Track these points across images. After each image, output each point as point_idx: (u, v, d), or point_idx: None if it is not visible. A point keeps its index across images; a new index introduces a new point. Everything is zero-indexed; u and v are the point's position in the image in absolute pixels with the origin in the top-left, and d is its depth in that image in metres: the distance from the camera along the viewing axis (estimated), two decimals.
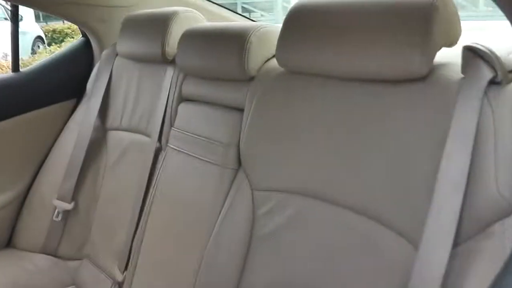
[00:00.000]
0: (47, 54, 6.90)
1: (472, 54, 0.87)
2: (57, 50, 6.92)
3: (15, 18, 1.90)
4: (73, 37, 7.78)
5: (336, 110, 1.04)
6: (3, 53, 6.44)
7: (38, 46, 7.86)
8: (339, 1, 1.04)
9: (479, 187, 0.81)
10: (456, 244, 0.81)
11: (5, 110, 1.81)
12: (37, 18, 9.03)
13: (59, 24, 8.96)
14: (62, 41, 7.95)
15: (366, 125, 0.98)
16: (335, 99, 1.04)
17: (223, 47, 1.29)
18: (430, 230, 0.83)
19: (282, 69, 1.19)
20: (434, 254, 0.81)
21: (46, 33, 8.45)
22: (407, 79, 0.92)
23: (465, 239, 0.82)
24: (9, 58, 6.29)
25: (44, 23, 9.66)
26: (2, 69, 5.88)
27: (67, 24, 8.70)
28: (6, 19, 7.51)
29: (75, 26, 8.22)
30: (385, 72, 0.94)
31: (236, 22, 1.97)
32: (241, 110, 1.27)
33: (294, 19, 1.10)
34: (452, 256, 0.80)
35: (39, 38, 8.09)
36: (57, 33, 8.39)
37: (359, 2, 1.00)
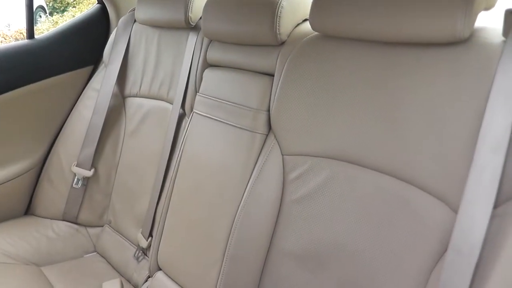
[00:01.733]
0: (50, 23, 6.82)
1: None
2: (60, 20, 6.87)
3: None
4: (75, 7, 7.69)
5: (372, 73, 1.03)
6: (7, 23, 6.37)
7: (40, 16, 7.75)
8: None
9: None
10: (496, 205, 0.81)
11: (21, 77, 1.80)
12: None
13: None
14: (64, 10, 7.85)
15: (404, 88, 0.97)
16: (370, 62, 1.03)
17: (253, 12, 1.27)
18: (470, 192, 0.83)
19: (313, 33, 1.18)
20: (474, 216, 0.82)
21: (47, 3, 8.33)
22: (448, 42, 0.91)
23: (505, 200, 0.82)
24: (13, 27, 6.25)
25: None
26: (6, 38, 5.82)
27: None
28: None
29: None
30: (425, 34, 0.92)
31: None
32: (270, 75, 1.27)
33: None
34: (492, 217, 0.80)
35: (40, 8, 7.96)
36: (58, 3, 8.28)
37: None
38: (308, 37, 1.19)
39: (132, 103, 1.79)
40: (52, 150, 1.90)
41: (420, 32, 0.93)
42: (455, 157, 0.89)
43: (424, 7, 0.91)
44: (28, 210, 1.91)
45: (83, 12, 2.04)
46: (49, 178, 1.87)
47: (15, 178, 1.81)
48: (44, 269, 1.62)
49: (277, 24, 1.22)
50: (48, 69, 1.87)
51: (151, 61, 1.72)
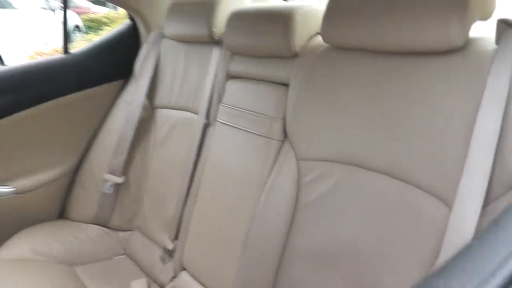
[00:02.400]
0: (85, 42, 7.06)
1: (505, 25, 0.93)
2: (94, 38, 7.09)
3: (64, 6, 2.02)
4: (109, 26, 7.92)
5: (377, 82, 1.10)
6: (45, 41, 6.62)
7: (76, 34, 8.04)
8: None
9: (509, 149, 0.87)
10: (486, 203, 0.87)
11: (57, 89, 1.90)
12: None
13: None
14: (99, 29, 8.10)
15: (406, 95, 1.04)
16: (376, 72, 1.10)
17: (270, 26, 1.36)
18: (463, 191, 0.89)
19: (325, 45, 1.26)
20: (466, 213, 0.87)
21: (84, 22, 8.63)
22: (444, 50, 0.98)
23: (494, 199, 0.87)
24: (50, 46, 6.48)
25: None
26: (42, 56, 6.04)
27: (103, 13, 8.88)
28: (44, 8, 7.69)
29: (111, 15, 8.30)
30: (424, 44, 0.99)
31: (279, 2, 2.03)
32: (286, 85, 1.35)
33: None
34: (482, 214, 0.86)
35: (76, 27, 8.27)
36: (93, 22, 8.56)
37: None
38: (320, 49, 1.26)
39: (161, 114, 1.88)
40: (85, 158, 2.00)
41: (419, 42, 0.99)
42: (451, 158, 0.94)
43: (420, 17, 0.98)
44: (61, 214, 2.01)
45: (115, 29, 2.15)
46: (82, 184, 1.97)
47: (49, 183, 1.91)
48: (75, 268, 1.71)
49: (291, 37, 1.31)
50: (82, 81, 1.97)
51: (179, 74, 1.81)
